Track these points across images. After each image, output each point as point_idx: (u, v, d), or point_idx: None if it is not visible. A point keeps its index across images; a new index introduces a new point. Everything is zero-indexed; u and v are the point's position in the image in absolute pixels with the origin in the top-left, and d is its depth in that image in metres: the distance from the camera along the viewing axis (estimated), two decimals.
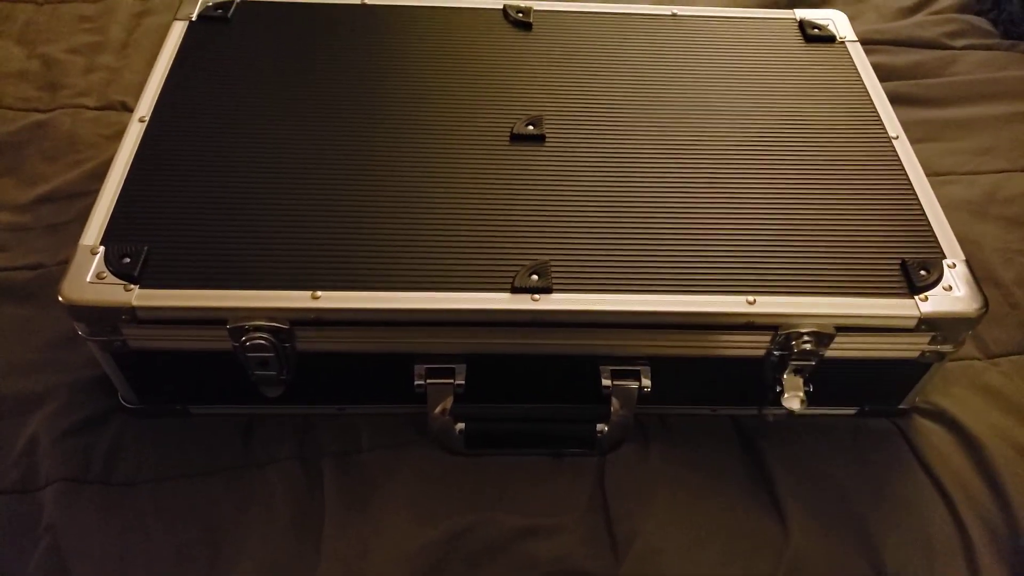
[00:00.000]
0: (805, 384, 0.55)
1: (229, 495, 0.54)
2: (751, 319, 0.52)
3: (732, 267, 0.53)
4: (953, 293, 0.52)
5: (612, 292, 0.52)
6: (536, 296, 0.51)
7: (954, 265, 0.54)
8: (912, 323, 0.52)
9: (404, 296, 0.51)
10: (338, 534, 0.52)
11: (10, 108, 0.79)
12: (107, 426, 0.57)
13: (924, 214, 0.57)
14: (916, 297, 0.52)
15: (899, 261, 0.54)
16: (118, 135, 0.79)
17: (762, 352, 0.54)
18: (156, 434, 0.57)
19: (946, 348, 0.54)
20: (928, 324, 0.52)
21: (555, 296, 0.51)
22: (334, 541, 0.52)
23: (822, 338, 0.53)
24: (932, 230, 0.56)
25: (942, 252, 0.55)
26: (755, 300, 0.52)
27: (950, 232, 0.56)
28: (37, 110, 0.80)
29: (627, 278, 0.52)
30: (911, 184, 0.59)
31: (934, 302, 0.52)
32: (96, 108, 0.81)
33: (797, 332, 0.52)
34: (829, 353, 0.54)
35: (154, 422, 0.58)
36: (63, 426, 0.56)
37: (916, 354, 0.55)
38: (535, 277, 0.52)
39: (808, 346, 0.53)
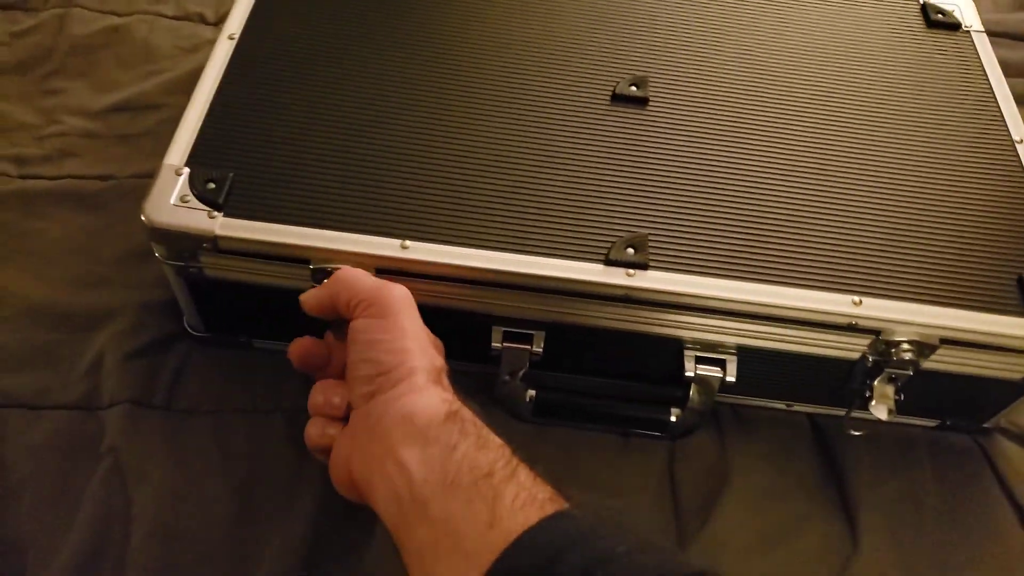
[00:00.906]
0: (896, 393, 0.52)
1: (290, 437, 0.53)
2: (855, 320, 0.49)
3: (838, 263, 0.51)
4: None
5: (711, 276, 0.49)
6: (631, 271, 0.49)
7: None
8: None
9: (494, 256, 0.48)
10: None
11: (87, 8, 0.77)
12: (172, 351, 0.56)
13: None
14: None
15: (1015, 276, 0.51)
16: (195, 48, 0.76)
17: (856, 355, 0.52)
18: (220, 365, 0.56)
19: None
20: None
21: (651, 273, 0.49)
22: None
23: (924, 348, 0.50)
24: None
25: None
26: (861, 301, 0.49)
27: None
28: (114, 13, 0.77)
29: (728, 262, 0.50)
30: None
31: None
32: (173, 18, 0.78)
33: (899, 339, 0.50)
34: (926, 364, 0.51)
35: (217, 352, 0.57)
36: (129, 347, 0.55)
37: (1020, 376, 0.52)
38: (631, 250, 0.49)
39: (908, 355, 0.50)
